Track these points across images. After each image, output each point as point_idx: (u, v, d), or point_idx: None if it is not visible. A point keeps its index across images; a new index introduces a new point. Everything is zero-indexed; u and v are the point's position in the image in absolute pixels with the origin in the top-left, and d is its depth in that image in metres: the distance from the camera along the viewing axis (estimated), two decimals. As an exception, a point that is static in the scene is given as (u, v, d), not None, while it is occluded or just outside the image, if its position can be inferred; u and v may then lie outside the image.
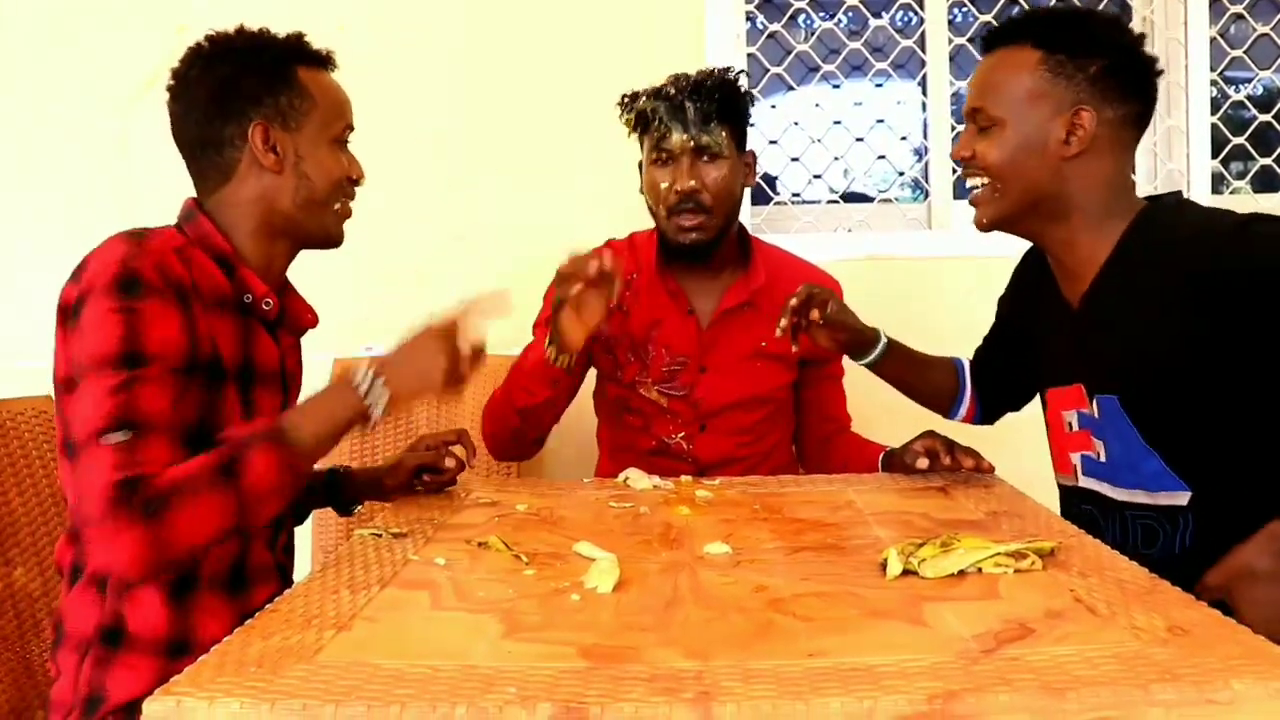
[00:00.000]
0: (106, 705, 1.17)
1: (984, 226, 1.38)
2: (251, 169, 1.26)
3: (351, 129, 1.35)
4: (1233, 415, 1.25)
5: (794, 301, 1.51)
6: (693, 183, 1.69)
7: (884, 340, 1.58)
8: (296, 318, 1.37)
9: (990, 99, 1.33)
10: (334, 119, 1.31)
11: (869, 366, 1.60)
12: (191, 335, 1.14)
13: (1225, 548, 1.16)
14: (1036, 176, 1.31)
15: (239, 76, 1.26)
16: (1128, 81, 1.30)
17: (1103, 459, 1.36)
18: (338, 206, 1.33)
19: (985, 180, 1.35)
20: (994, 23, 2.52)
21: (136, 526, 1.00)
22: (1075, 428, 1.40)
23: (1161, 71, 1.34)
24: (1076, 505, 1.42)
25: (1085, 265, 1.34)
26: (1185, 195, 2.40)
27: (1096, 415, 1.35)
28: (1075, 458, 1.41)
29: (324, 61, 1.34)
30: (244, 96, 1.25)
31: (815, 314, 1.50)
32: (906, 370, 1.64)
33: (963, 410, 1.67)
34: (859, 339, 1.57)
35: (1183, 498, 1.29)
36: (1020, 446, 1.77)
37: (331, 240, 1.35)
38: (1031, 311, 1.50)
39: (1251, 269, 1.20)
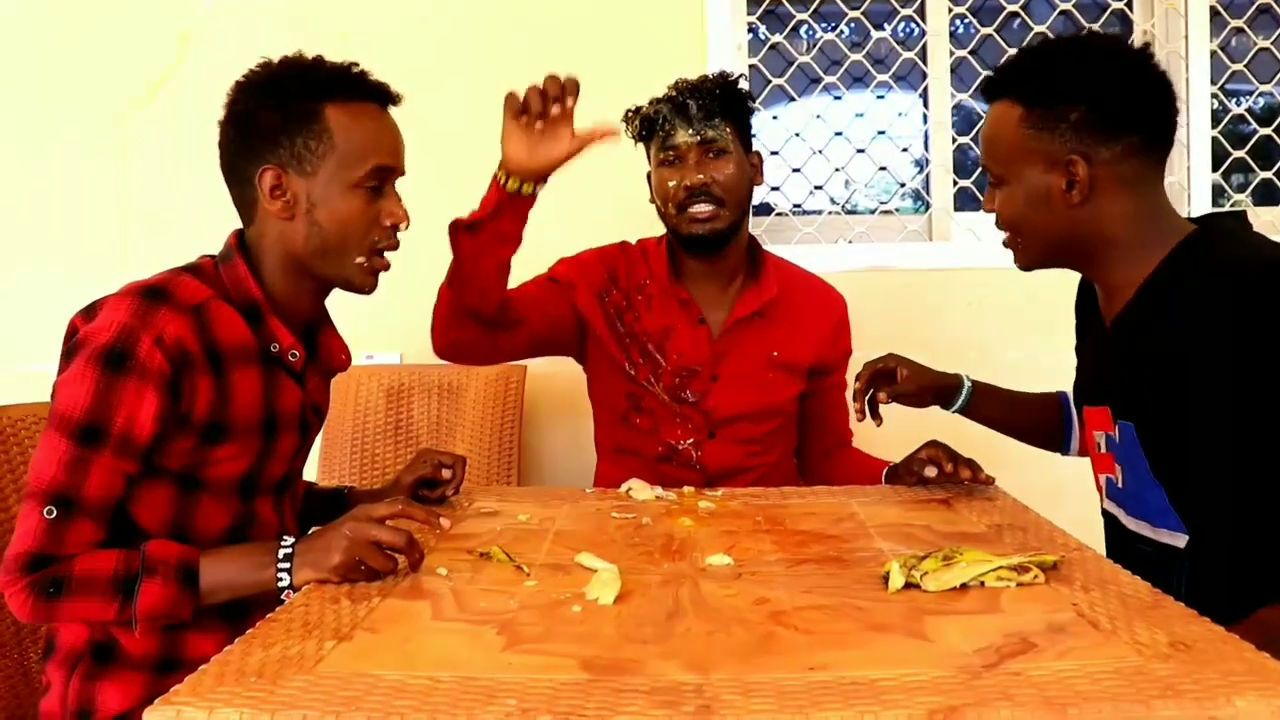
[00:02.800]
0: (96, 718, 1.18)
1: (1022, 269, 1.37)
2: (268, 211, 1.24)
3: (388, 170, 1.27)
4: (1238, 463, 1.20)
5: (858, 384, 1.49)
6: (701, 176, 1.71)
7: (968, 384, 1.56)
8: (328, 359, 1.36)
9: (991, 158, 1.32)
10: (355, 162, 1.23)
11: (960, 412, 1.58)
12: (171, 411, 1.14)
13: (1217, 602, 1.13)
14: (1051, 227, 1.29)
15: (262, 111, 1.22)
16: (1116, 118, 1.24)
17: (1120, 485, 1.34)
18: (360, 260, 1.26)
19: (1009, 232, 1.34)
20: (996, 36, 2.53)
21: (29, 598, 1.10)
22: (1103, 449, 1.37)
23: (1159, 87, 1.27)
24: (1107, 528, 1.41)
25: (1123, 288, 1.31)
26: (1186, 207, 2.43)
27: (1118, 440, 1.33)
28: (1102, 479, 1.40)
29: (371, 95, 1.26)
30: (261, 134, 1.22)
31: (883, 395, 1.48)
32: (1000, 410, 1.60)
33: (1074, 444, 1.60)
34: (943, 390, 1.55)
35: (1180, 539, 1.26)
36: (1025, 460, 1.77)
37: (353, 289, 1.29)
38: (1081, 326, 1.49)
39: (1270, 323, 1.14)
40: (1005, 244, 1.37)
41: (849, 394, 1.49)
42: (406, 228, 1.29)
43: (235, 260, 1.25)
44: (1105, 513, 1.40)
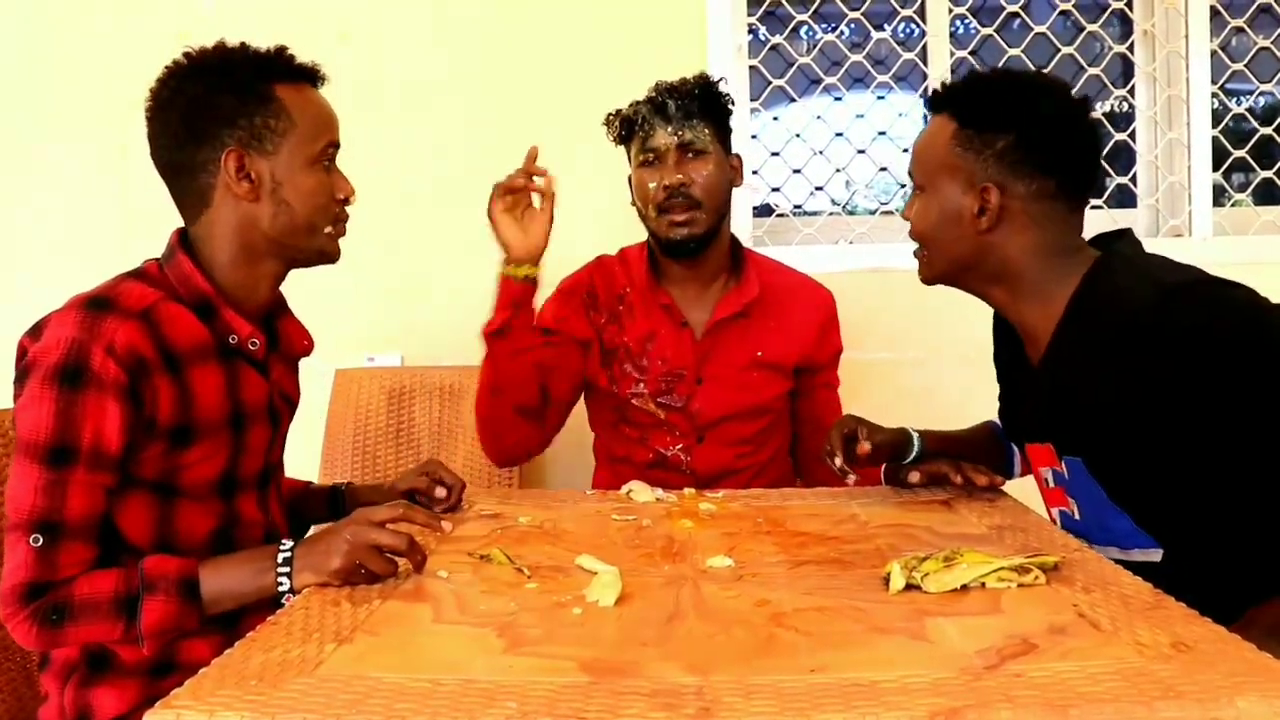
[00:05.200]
0: None
1: (925, 282, 1.41)
2: (228, 196, 1.22)
3: (336, 146, 1.28)
4: (1195, 475, 1.23)
5: (839, 459, 1.46)
6: (680, 177, 1.71)
7: (916, 436, 1.54)
8: (290, 345, 1.36)
9: (918, 166, 1.36)
10: (314, 138, 1.24)
11: (914, 464, 1.54)
12: (135, 418, 1.13)
13: (1202, 604, 1.14)
14: (956, 247, 1.33)
15: (212, 96, 1.21)
16: (1041, 157, 1.28)
17: (1077, 517, 1.36)
18: (329, 230, 1.28)
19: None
20: (996, 36, 2.53)
21: (33, 627, 1.10)
22: (1051, 484, 1.40)
23: (1089, 139, 1.32)
24: None
25: (1039, 328, 1.34)
26: (1187, 206, 2.43)
27: (1066, 475, 1.35)
28: (1054, 513, 1.41)
29: (308, 76, 1.27)
30: (217, 118, 1.20)
31: (865, 447, 1.44)
32: (954, 449, 1.57)
33: (1017, 468, 1.62)
34: (897, 445, 1.53)
35: (1155, 554, 1.28)
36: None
37: (326, 259, 1.30)
38: (1007, 365, 1.51)
39: (1174, 344, 1.18)
40: (915, 253, 1.41)
41: (833, 464, 1.47)
42: (354, 201, 1.31)
43: (179, 258, 1.23)
44: None
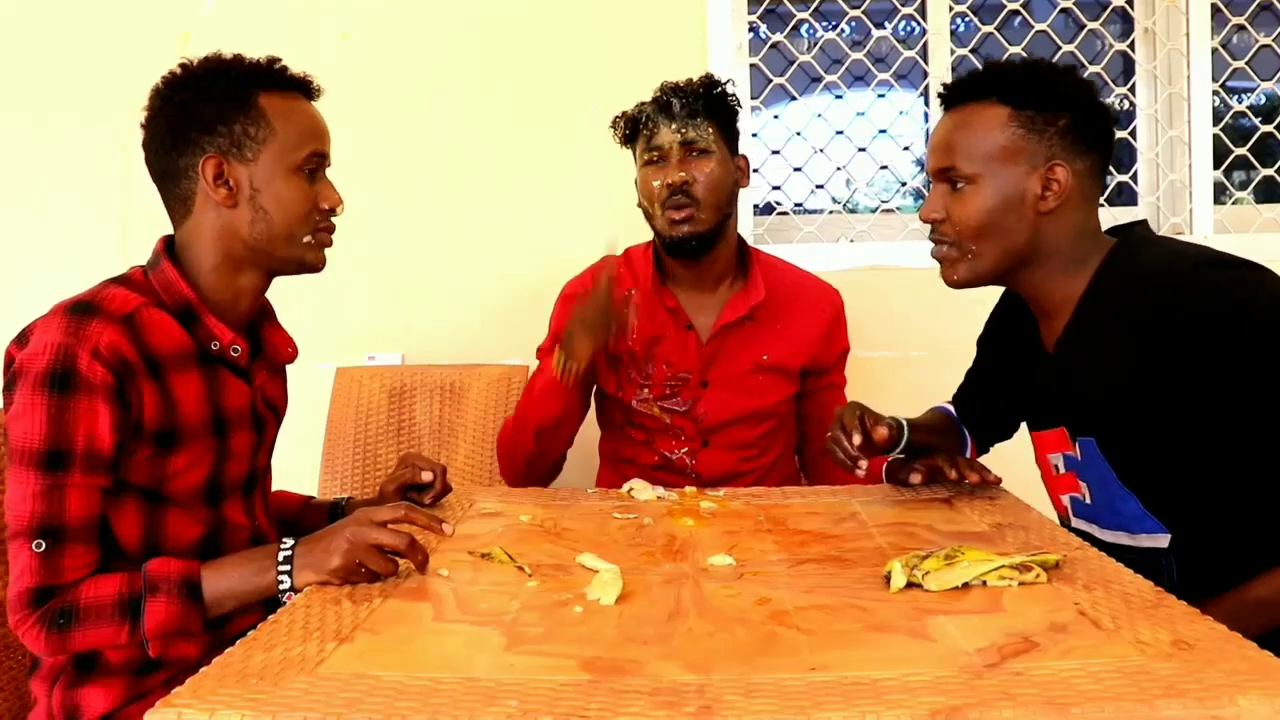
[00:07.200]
0: None
1: (955, 284, 1.36)
2: (208, 202, 1.24)
3: (322, 156, 1.29)
4: (1206, 456, 1.24)
5: (857, 440, 1.41)
6: (682, 175, 1.72)
7: (905, 423, 1.52)
8: (274, 353, 1.36)
9: (962, 157, 1.30)
10: (296, 146, 1.25)
11: (904, 451, 1.53)
12: (124, 419, 1.13)
13: (1208, 592, 1.15)
14: (1014, 233, 1.30)
15: (194, 104, 1.22)
16: (1091, 134, 1.30)
17: (1088, 501, 1.37)
18: (308, 239, 1.27)
19: (954, 240, 1.33)
20: (997, 34, 2.53)
21: (41, 632, 1.11)
22: (1062, 470, 1.40)
23: (1118, 121, 1.33)
24: None
25: (1060, 308, 1.34)
26: (1188, 204, 2.43)
27: (1079, 457, 1.35)
28: (1065, 499, 1.42)
29: (298, 87, 1.28)
30: (198, 125, 1.22)
31: (882, 431, 1.42)
32: (927, 437, 1.57)
33: (968, 450, 1.64)
34: (896, 432, 1.50)
35: (1163, 540, 1.28)
36: (1025, 458, 1.77)
37: (307, 269, 1.30)
38: (1011, 353, 1.50)
39: (1200, 317, 1.19)
40: (938, 257, 1.36)
41: (842, 453, 1.44)
42: (341, 212, 1.30)
43: (163, 265, 1.24)
44: (1076, 532, 1.40)
